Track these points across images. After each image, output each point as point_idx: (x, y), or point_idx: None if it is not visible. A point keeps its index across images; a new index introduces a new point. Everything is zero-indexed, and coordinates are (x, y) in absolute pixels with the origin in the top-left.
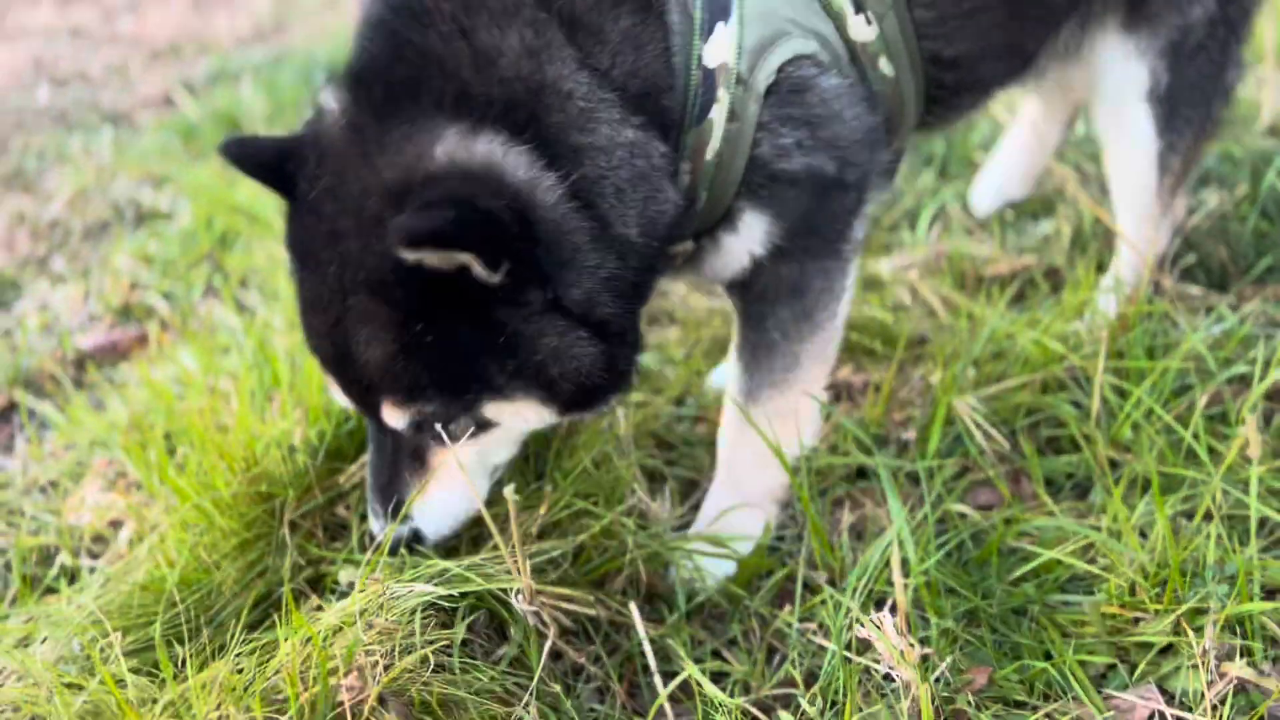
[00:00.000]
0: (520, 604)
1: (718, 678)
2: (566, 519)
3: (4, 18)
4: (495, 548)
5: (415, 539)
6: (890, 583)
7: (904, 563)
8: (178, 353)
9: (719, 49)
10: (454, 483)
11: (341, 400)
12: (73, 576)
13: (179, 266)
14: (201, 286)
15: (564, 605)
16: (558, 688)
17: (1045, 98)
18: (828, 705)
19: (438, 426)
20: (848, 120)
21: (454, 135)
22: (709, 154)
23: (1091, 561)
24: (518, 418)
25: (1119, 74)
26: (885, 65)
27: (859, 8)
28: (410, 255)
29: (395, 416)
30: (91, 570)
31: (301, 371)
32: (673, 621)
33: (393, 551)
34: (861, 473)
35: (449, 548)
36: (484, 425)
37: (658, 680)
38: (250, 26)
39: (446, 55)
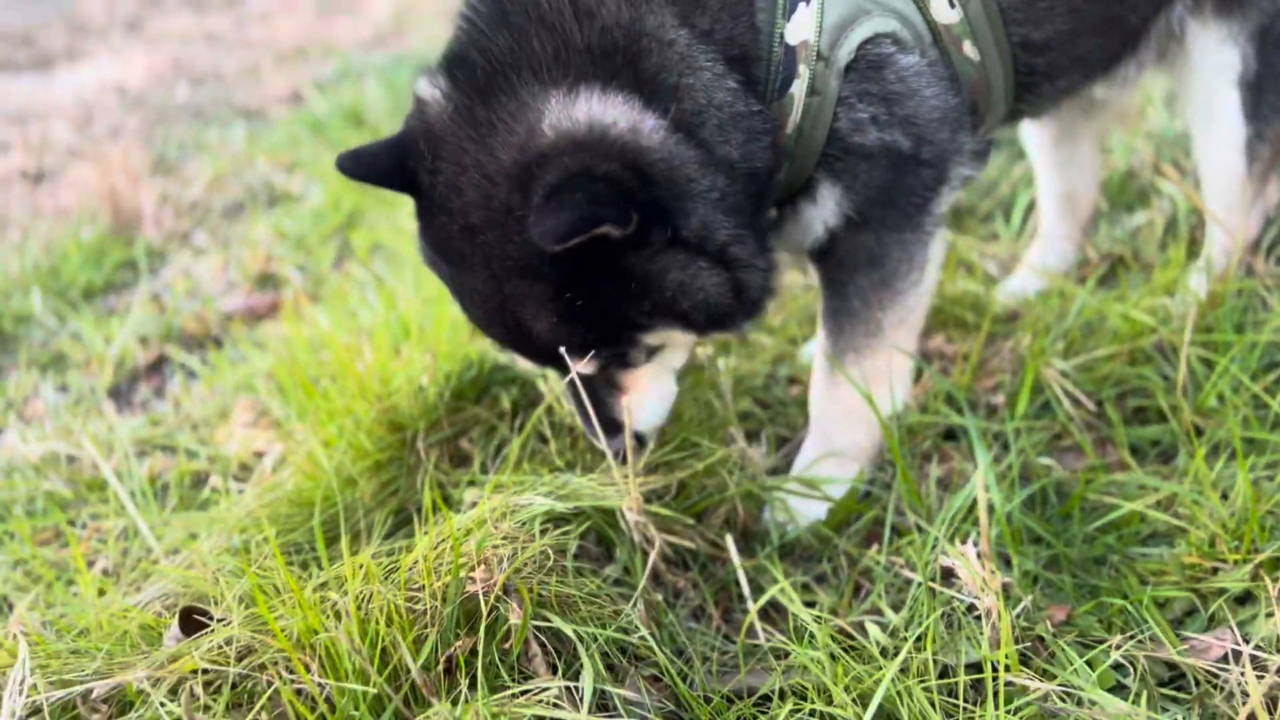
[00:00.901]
0: (629, 516)
1: (807, 606)
2: (673, 458)
3: (145, 24)
4: (605, 471)
5: (638, 441)
6: (975, 525)
7: (988, 507)
8: (313, 314)
9: (800, 27)
10: (651, 389)
11: (529, 368)
12: (217, 502)
13: (310, 241)
14: (331, 258)
15: (665, 536)
16: (659, 596)
17: (1064, 162)
18: (901, 628)
19: (619, 361)
20: (927, 98)
21: (555, 103)
22: (789, 127)
23: (1173, 517)
24: (674, 341)
25: (1211, 59)
26: (970, 49)
27: None
28: (560, 249)
29: (581, 368)
30: (240, 492)
31: (428, 326)
32: (765, 555)
33: (625, 460)
34: (950, 435)
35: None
36: (651, 351)
37: (750, 602)
38: (371, 32)
39: (547, 13)
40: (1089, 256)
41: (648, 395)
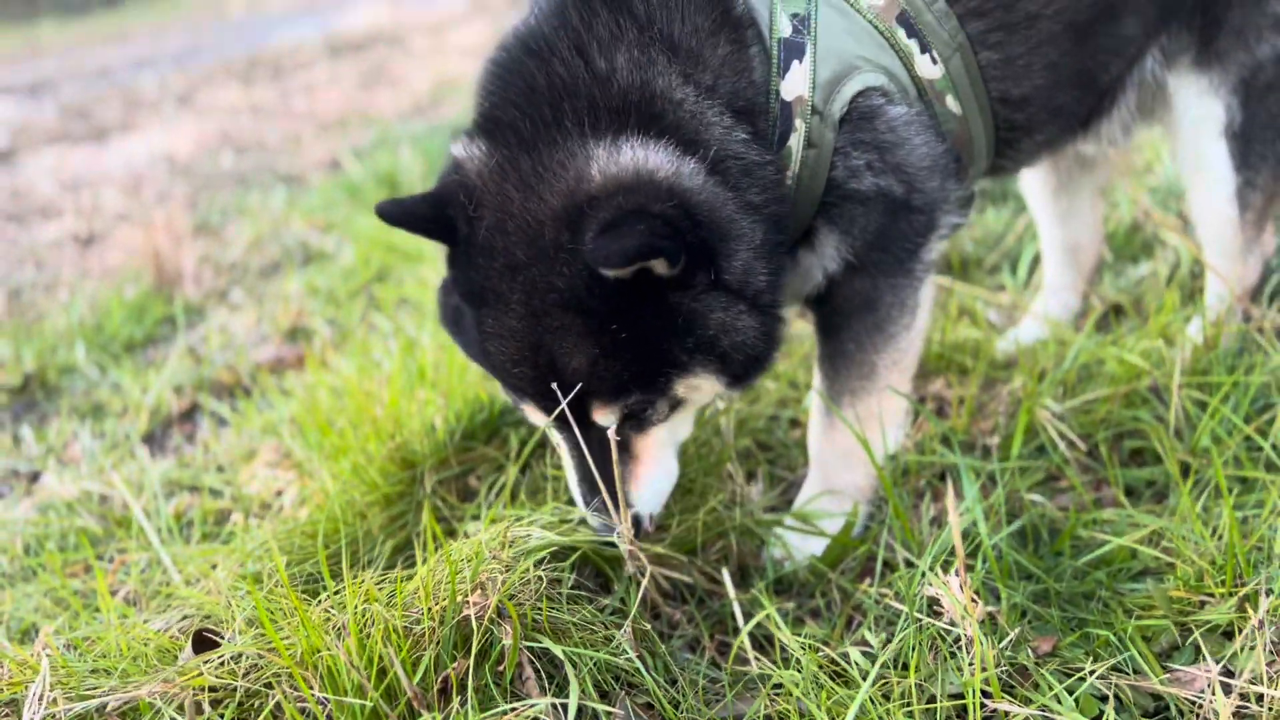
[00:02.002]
0: (623, 548)
1: (797, 636)
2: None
3: (195, 97)
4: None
5: (635, 524)
6: (951, 565)
7: (975, 541)
8: (337, 363)
9: (795, 84)
10: (658, 463)
11: (540, 421)
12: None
13: (340, 296)
14: (359, 313)
15: (661, 570)
16: (648, 626)
17: (1065, 214)
18: (898, 663)
19: (640, 414)
20: (916, 146)
21: (601, 152)
22: (789, 178)
23: (1162, 553)
24: (699, 392)
25: (1194, 111)
26: (953, 103)
27: (924, 48)
28: (613, 274)
29: (605, 415)
30: (256, 529)
31: (443, 370)
32: (759, 589)
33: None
34: (945, 475)
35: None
36: (675, 405)
37: (744, 631)
38: (410, 103)
39: (571, 81)
40: (1092, 305)
41: (657, 469)
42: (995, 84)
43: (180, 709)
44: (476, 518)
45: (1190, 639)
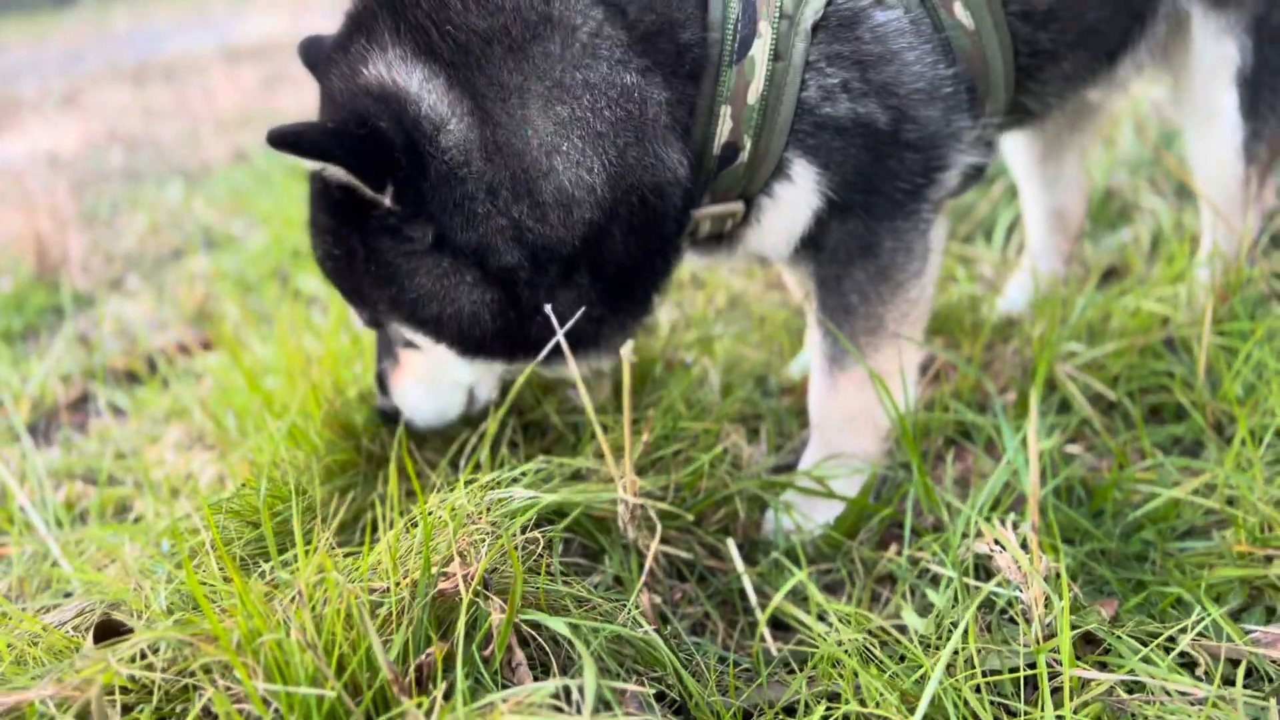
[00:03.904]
0: (624, 506)
1: (821, 616)
2: (666, 457)
3: (80, 98)
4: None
5: (396, 416)
6: (1001, 520)
7: (1015, 494)
8: (252, 345)
9: None
10: (417, 378)
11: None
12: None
13: (251, 279)
14: (275, 296)
15: (661, 546)
16: (659, 599)
17: (1052, 180)
18: (945, 616)
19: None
20: (908, 64)
21: (384, 61)
22: (752, 96)
23: (1217, 505)
24: (426, 345)
25: (1210, 53)
26: (962, 13)
27: None
28: (277, 152)
29: (351, 312)
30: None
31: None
32: (769, 561)
33: (385, 420)
34: (960, 435)
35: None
36: (410, 343)
37: (758, 612)
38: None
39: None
40: (1076, 271)
41: (416, 383)
42: None
43: (82, 714)
44: (435, 489)
45: (1261, 598)
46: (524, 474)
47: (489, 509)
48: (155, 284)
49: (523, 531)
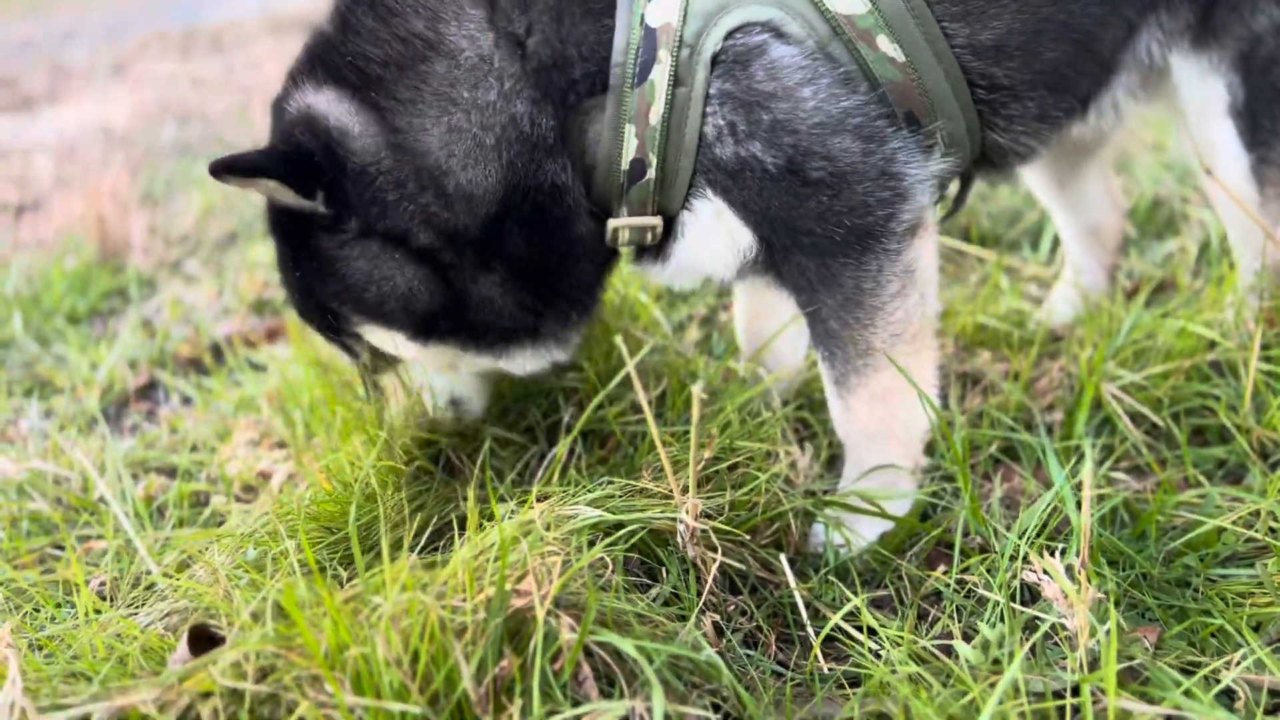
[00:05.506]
0: (684, 527)
1: (872, 632)
2: (721, 472)
3: (130, 68)
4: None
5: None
6: (1047, 546)
7: (1061, 517)
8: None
9: (662, 8)
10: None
11: None
12: (221, 522)
13: None
14: None
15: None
16: (717, 618)
17: (1078, 202)
18: (994, 644)
19: (349, 345)
20: (803, 100)
21: (303, 93)
22: (654, 118)
23: (1253, 537)
24: (394, 343)
25: (1198, 93)
26: (889, 46)
27: None
28: (221, 182)
29: (327, 344)
30: (245, 512)
31: None
32: (821, 578)
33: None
34: (1008, 452)
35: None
36: (381, 354)
37: (809, 628)
38: None
39: (349, 24)
40: (1123, 284)
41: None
42: (953, 25)
43: (182, 717)
44: (505, 499)
45: None
46: (589, 490)
47: (554, 525)
48: (214, 268)
49: (589, 546)
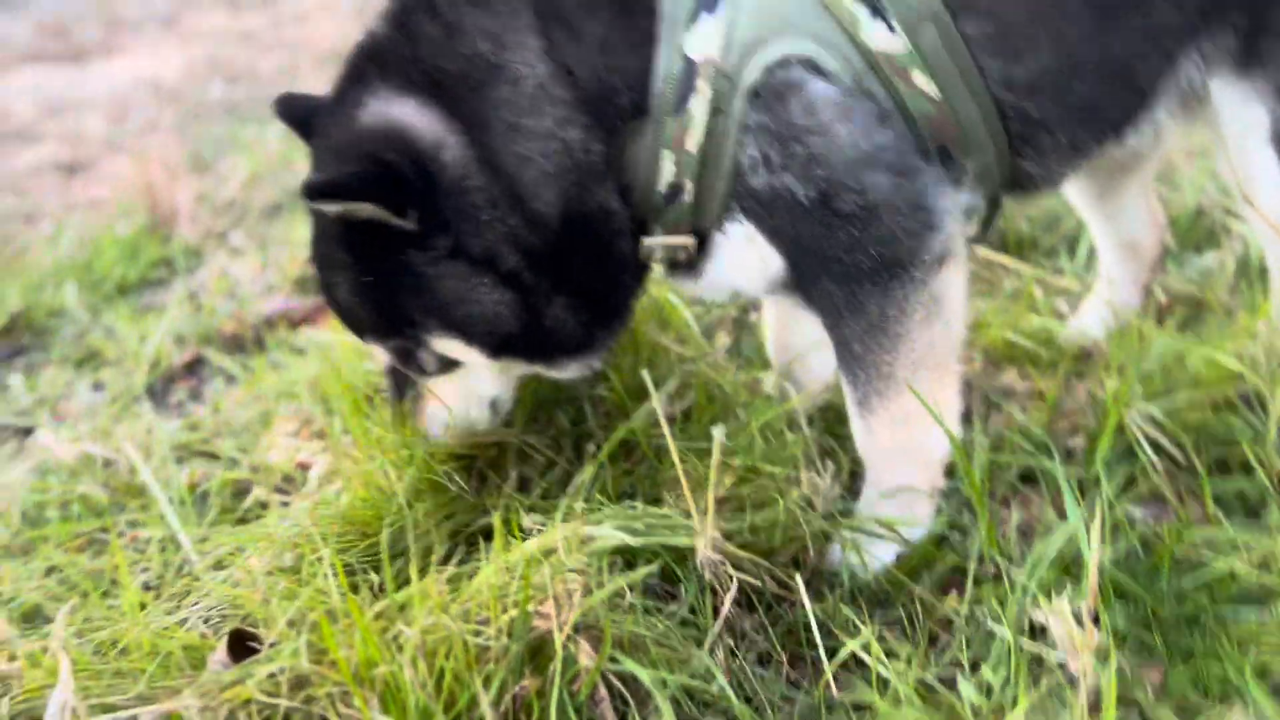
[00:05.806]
0: (704, 552)
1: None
2: (742, 491)
3: (180, 20)
4: (674, 505)
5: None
6: (1059, 581)
7: (1073, 552)
8: None
9: (703, 40)
10: (447, 399)
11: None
12: (263, 512)
13: None
14: None
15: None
16: (731, 643)
17: (1115, 215)
18: (997, 688)
19: (408, 358)
20: (837, 135)
21: (381, 100)
22: (691, 145)
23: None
24: (467, 355)
25: (1239, 119)
26: (924, 82)
27: (877, 12)
28: (323, 208)
29: (375, 349)
30: (284, 505)
31: None
32: (834, 600)
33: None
34: (1027, 477)
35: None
36: (445, 362)
37: (822, 652)
38: None
39: (412, 30)
40: (1159, 300)
41: (441, 410)
42: (990, 60)
43: None
44: (532, 510)
45: None
46: (612, 518)
47: (577, 546)
48: (258, 240)
49: (609, 570)
